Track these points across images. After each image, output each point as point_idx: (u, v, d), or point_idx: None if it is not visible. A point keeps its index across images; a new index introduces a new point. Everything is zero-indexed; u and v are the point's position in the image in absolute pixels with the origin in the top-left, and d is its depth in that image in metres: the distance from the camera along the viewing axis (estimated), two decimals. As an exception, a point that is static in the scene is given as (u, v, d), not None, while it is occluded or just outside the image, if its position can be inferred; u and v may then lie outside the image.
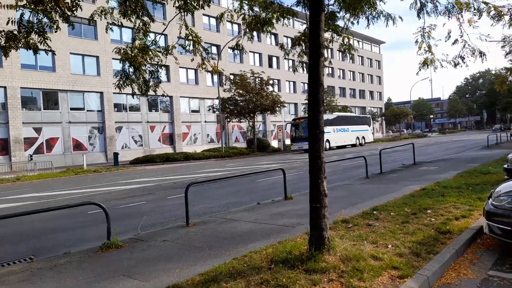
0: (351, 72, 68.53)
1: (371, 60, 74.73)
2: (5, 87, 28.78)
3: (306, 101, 46.05)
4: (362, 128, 43.40)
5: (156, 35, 6.02)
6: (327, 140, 36.04)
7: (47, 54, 4.61)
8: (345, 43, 8.32)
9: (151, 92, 5.43)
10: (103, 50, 34.55)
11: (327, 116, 38.37)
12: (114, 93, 34.99)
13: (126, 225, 7.38)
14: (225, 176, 15.72)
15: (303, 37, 8.32)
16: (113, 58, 34.84)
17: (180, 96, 40.86)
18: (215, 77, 42.94)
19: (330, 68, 60.94)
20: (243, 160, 27.69)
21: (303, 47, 8.30)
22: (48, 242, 6.76)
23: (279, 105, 37.93)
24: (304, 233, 5.27)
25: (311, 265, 3.78)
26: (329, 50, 57.04)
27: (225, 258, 4.60)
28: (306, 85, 59.09)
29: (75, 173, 22.92)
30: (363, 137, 43.38)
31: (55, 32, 4.62)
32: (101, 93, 34.59)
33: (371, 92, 74.68)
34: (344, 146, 40.65)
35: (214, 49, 42.59)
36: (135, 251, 5.42)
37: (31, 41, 4.15)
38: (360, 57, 69.90)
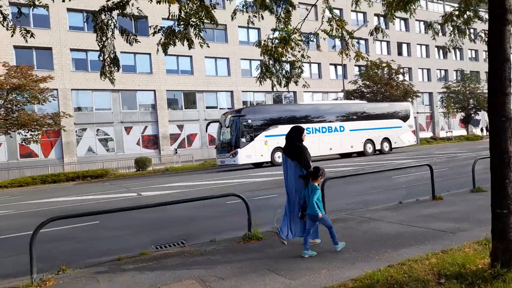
0: None
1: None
2: (154, 91, 33.33)
3: (444, 90, 39.70)
4: (385, 125, 25.92)
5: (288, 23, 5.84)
6: (280, 149, 17.69)
7: (201, 47, 4.82)
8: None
9: (291, 86, 5.25)
10: (232, 52, 36.93)
11: (288, 109, 25.00)
12: (242, 91, 37.18)
13: (262, 217, 7.45)
14: (355, 171, 14.92)
15: (457, 12, 7.22)
16: (241, 59, 37.08)
17: (304, 91, 40.93)
18: (340, 69, 41.75)
19: (473, 51, 53.04)
20: (371, 155, 26.07)
21: (458, 23, 7.15)
22: (194, 229, 7.30)
23: (411, 95, 34.68)
24: (474, 242, 4.39)
25: (499, 287, 3.01)
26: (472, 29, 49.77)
27: (377, 264, 4.10)
28: (443, 71, 52.45)
29: (211, 165, 25.05)
30: (387, 139, 25.97)
31: (199, 33, 4.77)
32: (231, 92, 37.07)
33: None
34: (344, 154, 25.17)
35: (337, 41, 41.34)
36: (275, 245, 5.35)
37: (186, 36, 4.40)
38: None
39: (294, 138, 5.20)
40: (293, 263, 4.50)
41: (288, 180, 5.25)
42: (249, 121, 21.22)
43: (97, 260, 5.31)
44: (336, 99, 40.46)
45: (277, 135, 21.18)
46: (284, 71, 4.97)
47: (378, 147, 25.69)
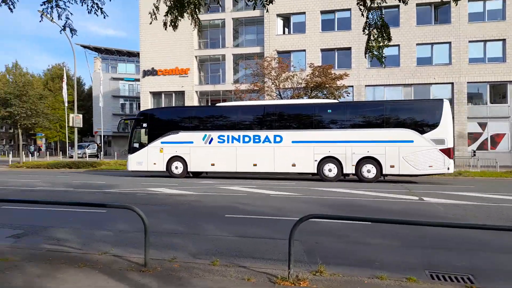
0: None
1: None
2: (452, 83, 29.56)
3: None
4: (369, 137, 16.38)
5: None
6: (180, 159, 18.82)
7: None
8: None
9: None
10: None
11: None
12: None
13: None
14: None
15: None
16: None
17: None
18: None
19: None
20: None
21: None
22: (486, 261, 5.40)
23: None
24: None
25: None
26: None
27: None
28: None
29: (522, 176, 19.47)
30: (372, 160, 16.27)
31: None
32: None
33: None
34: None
35: None
36: None
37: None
38: None
39: None
40: None
41: None
42: (144, 125, 19.53)
43: (354, 271, 4.71)
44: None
45: (177, 142, 19.12)
46: None
47: (349, 170, 17.04)
